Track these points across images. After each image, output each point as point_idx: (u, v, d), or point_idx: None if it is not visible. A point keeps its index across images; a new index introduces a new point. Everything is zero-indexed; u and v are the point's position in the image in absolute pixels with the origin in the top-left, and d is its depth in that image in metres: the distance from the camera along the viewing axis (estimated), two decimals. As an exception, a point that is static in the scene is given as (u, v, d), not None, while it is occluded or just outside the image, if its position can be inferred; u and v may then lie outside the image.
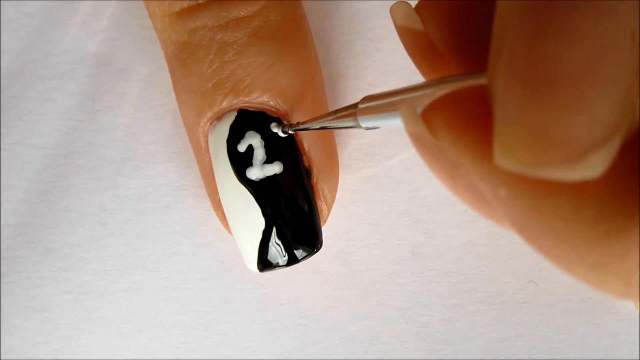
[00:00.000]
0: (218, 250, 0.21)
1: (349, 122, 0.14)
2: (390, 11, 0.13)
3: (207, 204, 0.21)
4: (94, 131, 0.21)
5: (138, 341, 0.21)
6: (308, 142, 0.18)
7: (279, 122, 0.18)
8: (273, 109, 0.18)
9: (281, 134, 0.18)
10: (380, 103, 0.12)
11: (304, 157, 0.18)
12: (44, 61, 0.21)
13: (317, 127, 0.16)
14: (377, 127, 0.13)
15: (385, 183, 0.21)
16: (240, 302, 0.21)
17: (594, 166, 0.08)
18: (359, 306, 0.21)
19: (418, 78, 0.21)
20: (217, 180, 0.18)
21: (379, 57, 0.21)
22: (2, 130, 0.21)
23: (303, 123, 0.17)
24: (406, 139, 0.20)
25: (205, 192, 0.20)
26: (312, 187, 0.18)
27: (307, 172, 0.18)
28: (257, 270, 0.18)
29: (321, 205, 0.19)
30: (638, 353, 0.21)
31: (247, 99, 0.18)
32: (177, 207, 0.21)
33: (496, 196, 0.09)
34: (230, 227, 0.18)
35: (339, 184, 0.20)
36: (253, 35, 0.17)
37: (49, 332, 0.21)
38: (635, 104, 0.08)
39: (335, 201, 0.20)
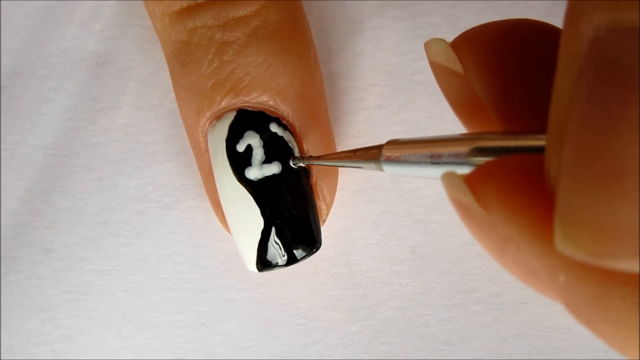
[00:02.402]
0: (218, 250, 0.21)
1: (369, 164, 0.13)
2: (425, 47, 0.12)
3: (207, 204, 0.21)
4: (94, 131, 0.21)
5: (138, 341, 0.21)
6: (307, 142, 0.18)
7: (278, 122, 0.18)
8: (272, 109, 0.18)
9: (292, 165, 0.18)
10: (407, 149, 0.11)
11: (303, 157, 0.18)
12: (44, 61, 0.21)
13: (332, 164, 0.15)
14: (400, 175, 0.12)
15: (385, 183, 0.21)
16: (240, 302, 0.21)
17: None
18: (359, 306, 0.21)
19: (418, 78, 0.21)
20: (216, 180, 0.18)
21: (379, 57, 0.21)
22: (2, 130, 0.21)
23: (316, 158, 0.16)
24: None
25: (205, 192, 0.20)
26: (311, 187, 0.18)
27: (306, 172, 0.18)
28: (256, 270, 0.18)
29: (320, 205, 0.19)
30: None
31: (246, 98, 0.18)
32: (177, 207, 0.21)
33: (554, 280, 0.09)
34: (229, 227, 0.18)
35: (339, 184, 0.20)
36: (252, 35, 0.17)
37: (49, 332, 0.21)
38: None
39: (335, 201, 0.20)
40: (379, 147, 0.13)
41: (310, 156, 0.17)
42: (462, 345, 0.21)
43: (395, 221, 0.21)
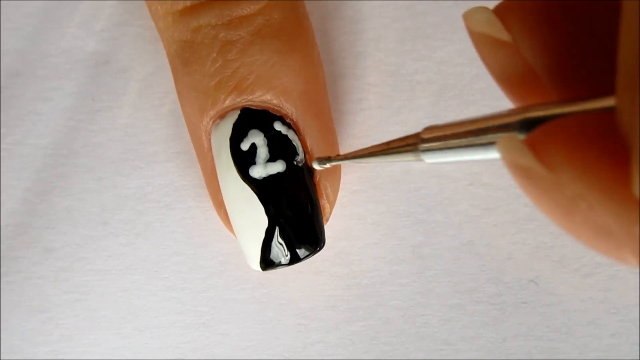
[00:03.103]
0: (218, 250, 0.21)
1: (407, 157, 0.12)
2: (464, 17, 0.11)
3: (207, 204, 0.21)
4: (94, 131, 0.21)
5: (138, 341, 0.21)
6: (311, 140, 0.18)
7: (282, 121, 0.18)
8: (276, 107, 0.18)
9: (317, 167, 0.18)
10: (448, 133, 0.11)
11: (306, 156, 0.18)
12: (44, 61, 0.21)
13: (363, 161, 0.14)
14: (442, 163, 0.11)
15: (385, 183, 0.21)
16: (240, 302, 0.21)
17: None
18: (359, 306, 0.21)
19: (418, 78, 0.21)
20: (219, 179, 0.18)
21: (379, 57, 0.21)
22: (2, 130, 0.21)
23: (345, 156, 0.16)
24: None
25: (207, 191, 0.20)
26: (314, 185, 0.18)
27: (310, 171, 0.18)
28: (259, 269, 0.18)
29: (324, 203, 0.19)
30: (638, 353, 0.20)
31: (250, 97, 0.18)
32: (177, 207, 0.21)
33: (629, 233, 0.08)
34: (233, 226, 0.18)
35: (339, 184, 0.20)
36: (256, 34, 0.17)
37: (49, 332, 0.21)
38: None
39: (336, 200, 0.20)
40: (415, 136, 0.12)
41: (338, 155, 0.17)
42: (462, 345, 0.21)
43: (395, 221, 0.21)
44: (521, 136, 0.09)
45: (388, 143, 0.13)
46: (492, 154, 0.10)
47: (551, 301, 0.20)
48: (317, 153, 0.18)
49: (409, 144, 0.12)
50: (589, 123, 0.09)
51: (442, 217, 0.21)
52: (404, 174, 0.21)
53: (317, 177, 0.18)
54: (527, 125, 0.09)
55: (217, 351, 0.21)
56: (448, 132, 0.11)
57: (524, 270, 0.20)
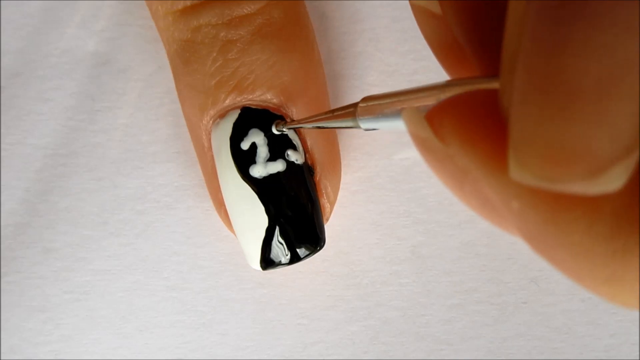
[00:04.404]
0: (218, 250, 0.21)
1: (347, 122, 0.13)
2: None
3: (207, 204, 0.21)
4: (94, 131, 0.21)
5: (138, 341, 0.21)
6: (311, 140, 0.18)
7: (283, 120, 0.18)
8: (276, 107, 0.18)
9: (275, 132, 0.18)
10: (381, 103, 0.12)
11: (307, 155, 0.18)
12: (44, 61, 0.21)
13: (313, 126, 0.15)
14: (377, 129, 0.13)
15: (385, 183, 0.21)
16: (240, 302, 0.21)
17: (614, 180, 0.07)
18: (359, 306, 0.21)
19: (418, 78, 0.21)
20: (220, 179, 0.18)
21: (379, 57, 0.21)
22: (2, 130, 0.21)
23: (299, 121, 0.17)
24: (406, 138, 0.20)
25: (207, 191, 0.20)
26: (315, 185, 0.18)
27: (310, 170, 0.18)
28: (259, 269, 0.18)
29: (324, 203, 0.19)
30: (638, 353, 0.21)
31: (251, 96, 0.18)
32: (177, 207, 0.21)
33: (508, 208, 0.09)
34: (233, 225, 0.18)
35: (339, 184, 0.20)
36: (256, 33, 0.17)
37: (49, 332, 0.21)
38: None
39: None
40: (354, 104, 0.13)
41: (293, 120, 0.17)
42: (462, 345, 0.21)
43: (395, 221, 0.21)
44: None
45: (333, 110, 0.14)
46: None
47: (551, 301, 0.20)
48: (317, 152, 0.18)
49: (348, 112, 0.13)
50: (480, 101, 0.09)
51: (442, 217, 0.21)
52: (404, 174, 0.21)
53: (318, 177, 0.18)
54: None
55: (217, 351, 0.21)
56: (382, 101, 0.12)
57: (524, 270, 0.21)
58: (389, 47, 0.21)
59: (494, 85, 0.09)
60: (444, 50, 0.12)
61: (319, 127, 0.15)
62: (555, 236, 0.08)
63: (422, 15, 0.12)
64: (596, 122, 0.07)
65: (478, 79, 0.10)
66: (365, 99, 0.13)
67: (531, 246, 0.09)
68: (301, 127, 0.17)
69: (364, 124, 0.13)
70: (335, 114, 0.14)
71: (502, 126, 0.08)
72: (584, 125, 0.07)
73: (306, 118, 0.16)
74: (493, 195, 0.09)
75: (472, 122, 0.09)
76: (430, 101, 0.10)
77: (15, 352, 0.21)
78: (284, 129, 0.17)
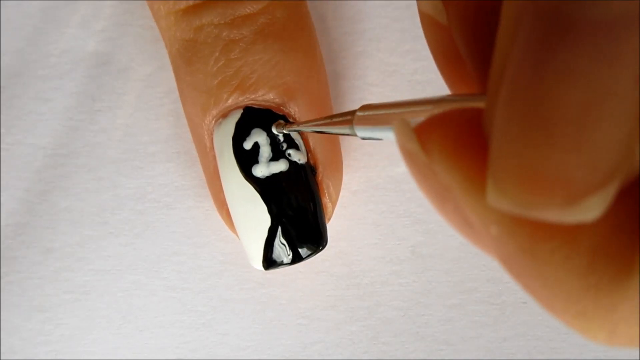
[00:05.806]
0: (218, 250, 0.21)
1: (344, 129, 0.13)
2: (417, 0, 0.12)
3: (207, 204, 0.21)
4: (94, 131, 0.21)
5: (138, 341, 0.21)
6: (313, 139, 0.18)
7: (286, 120, 0.18)
8: (279, 106, 0.18)
9: (275, 133, 0.18)
10: (377, 114, 0.12)
11: (309, 155, 0.18)
12: (44, 61, 0.21)
13: (311, 130, 0.15)
14: (373, 139, 0.12)
15: (385, 183, 0.21)
16: (240, 302, 0.21)
17: (591, 209, 0.07)
18: (359, 306, 0.21)
19: (418, 78, 0.21)
20: (222, 179, 0.18)
21: (379, 57, 0.21)
22: (2, 130, 0.21)
23: (297, 125, 0.17)
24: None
25: (208, 191, 0.20)
26: (317, 184, 0.18)
27: (312, 170, 0.18)
28: (262, 269, 0.18)
29: (326, 202, 0.19)
30: (638, 353, 0.21)
31: (253, 96, 0.18)
32: (177, 207, 0.21)
33: (487, 231, 0.09)
34: (235, 225, 0.18)
35: (339, 184, 0.20)
36: (259, 33, 0.17)
37: (49, 332, 0.21)
38: (634, 149, 0.07)
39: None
40: (352, 112, 0.13)
41: (292, 123, 0.17)
42: (462, 345, 0.21)
43: (395, 221, 0.21)
44: None
45: (331, 116, 0.14)
46: None
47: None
48: (319, 152, 0.18)
49: (346, 119, 0.13)
50: (468, 119, 0.09)
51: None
52: (404, 174, 0.21)
53: (320, 176, 0.18)
54: None
55: (217, 351, 0.21)
56: (379, 112, 0.12)
57: (524, 270, 0.20)
58: (389, 47, 0.21)
59: (471, 104, 0.09)
60: (446, 61, 0.12)
61: (316, 132, 0.15)
62: (531, 266, 0.08)
63: (428, 24, 0.12)
64: (575, 150, 0.07)
65: (474, 97, 0.10)
66: (363, 108, 0.13)
67: (507, 271, 0.09)
68: (299, 131, 0.17)
69: (360, 133, 0.13)
70: (333, 120, 0.14)
71: (486, 147, 0.08)
72: (562, 153, 0.07)
73: (305, 122, 0.16)
74: (472, 217, 0.09)
75: (458, 140, 0.09)
76: (426, 115, 0.10)
77: (15, 352, 0.21)
78: (283, 132, 0.17)
